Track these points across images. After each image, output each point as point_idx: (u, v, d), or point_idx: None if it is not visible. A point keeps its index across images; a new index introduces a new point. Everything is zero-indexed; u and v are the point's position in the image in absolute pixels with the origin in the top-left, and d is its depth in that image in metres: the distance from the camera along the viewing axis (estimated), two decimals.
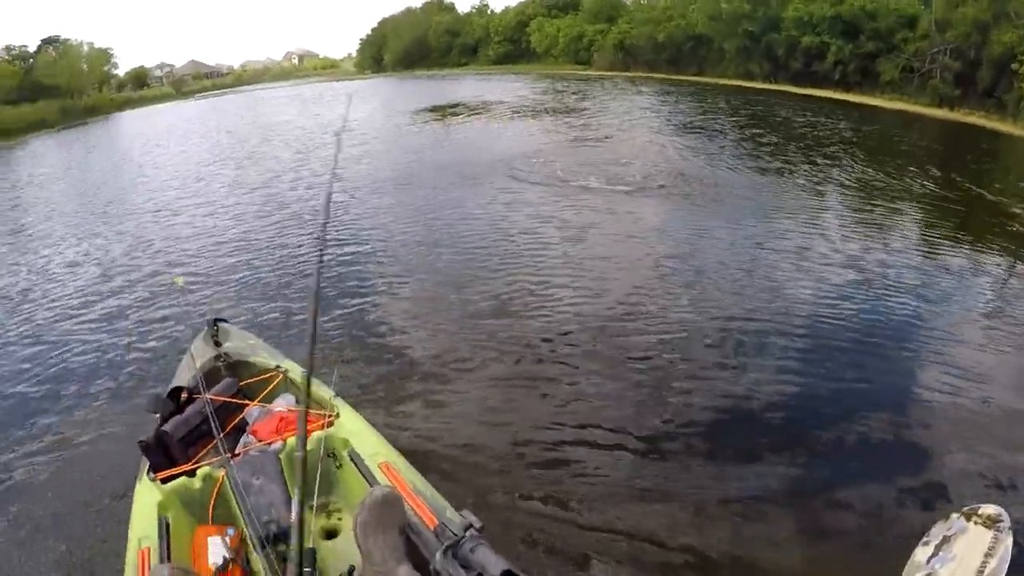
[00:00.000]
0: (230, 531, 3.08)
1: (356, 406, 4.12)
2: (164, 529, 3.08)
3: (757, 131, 18.05)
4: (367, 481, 3.24)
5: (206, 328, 5.26)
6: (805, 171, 14.03)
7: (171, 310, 8.58)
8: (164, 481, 3.37)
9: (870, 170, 13.99)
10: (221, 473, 3.35)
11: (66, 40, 67.50)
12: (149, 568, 2.79)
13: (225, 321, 5.50)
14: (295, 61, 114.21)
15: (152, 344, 7.73)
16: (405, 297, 8.44)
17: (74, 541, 4.55)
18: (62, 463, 5.55)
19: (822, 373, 6.08)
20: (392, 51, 72.93)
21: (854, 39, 25.02)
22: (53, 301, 9.73)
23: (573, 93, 30.87)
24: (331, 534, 3.36)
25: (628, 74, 39.25)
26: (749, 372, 6.10)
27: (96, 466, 5.40)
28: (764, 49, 29.53)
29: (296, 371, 4.57)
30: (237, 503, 3.15)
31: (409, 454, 3.73)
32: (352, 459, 3.48)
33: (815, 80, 26.64)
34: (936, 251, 9.49)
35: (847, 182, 13.22)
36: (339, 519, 3.47)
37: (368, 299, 8.41)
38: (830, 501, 4.42)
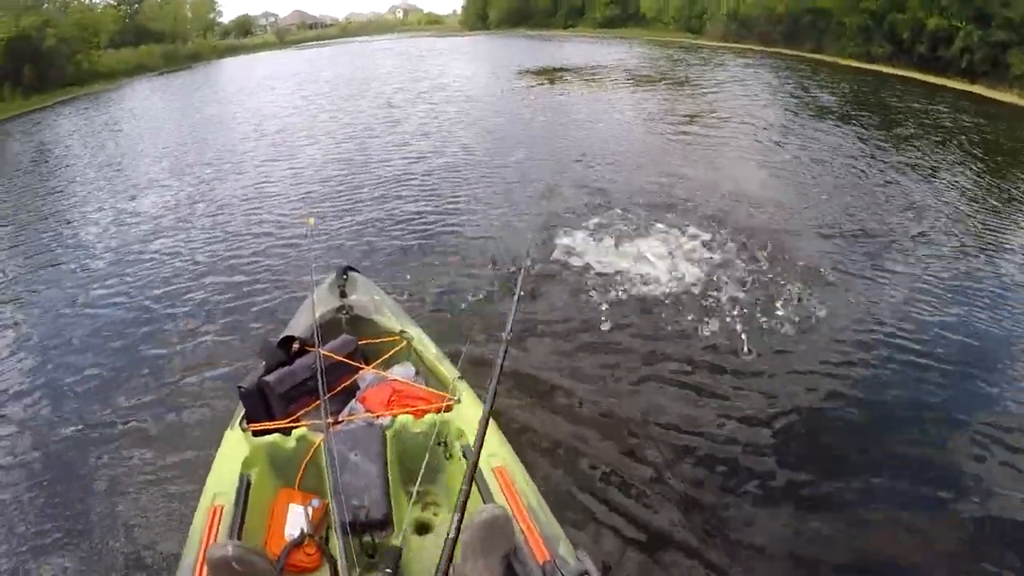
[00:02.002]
0: (315, 502, 3.00)
1: (480, 394, 3.72)
2: (244, 487, 3.01)
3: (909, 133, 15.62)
4: (476, 484, 2.90)
5: (334, 275, 5.01)
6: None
7: (299, 252, 8.70)
8: (256, 434, 3.33)
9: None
10: (319, 438, 3.21)
11: None
12: (218, 529, 2.71)
13: (356, 271, 5.25)
14: (399, 15, 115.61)
15: (275, 283, 7.94)
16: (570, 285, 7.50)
17: (158, 487, 4.61)
18: (166, 399, 5.74)
19: None
20: (498, 8, 72.96)
21: (985, 26, 23.89)
22: (174, 232, 10.51)
23: (687, 64, 30.17)
24: (423, 528, 3.16)
25: (741, 46, 38.11)
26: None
27: (196, 408, 5.56)
28: (887, 29, 28.47)
29: (421, 340, 4.38)
30: (328, 475, 2.96)
31: (528, 464, 3.43)
32: (464, 455, 3.22)
33: (939, 67, 25.54)
34: None
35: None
36: (435, 513, 3.25)
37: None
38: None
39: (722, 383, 5.61)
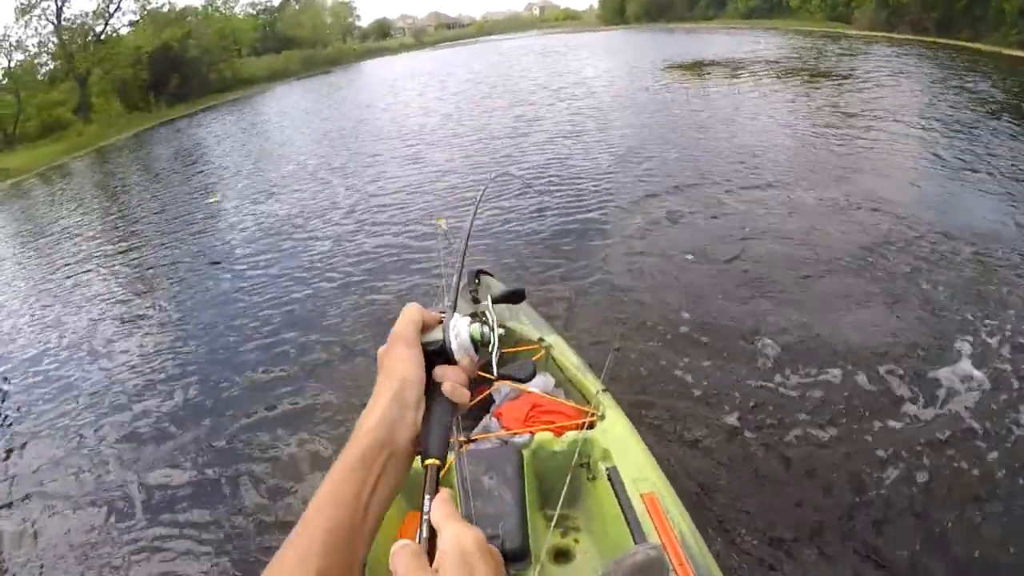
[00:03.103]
0: None
1: (627, 410, 3.54)
2: None
3: None
4: (623, 512, 2.73)
5: (466, 279, 4.73)
6: None
7: (431, 255, 8.88)
8: None
9: None
10: (451, 459, 3.11)
11: None
12: None
13: (490, 275, 5.05)
14: (536, 12, 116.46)
15: (408, 288, 8.13)
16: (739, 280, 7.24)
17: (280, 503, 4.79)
18: (292, 421, 5.85)
19: None
20: (636, 2, 72.75)
21: None
22: (308, 237, 10.94)
23: (836, 56, 28.62)
24: (562, 555, 2.93)
25: (892, 36, 36.54)
26: None
27: (319, 418, 5.72)
28: None
29: (562, 349, 4.18)
30: (459, 501, 2.87)
31: (683, 492, 3.19)
32: (610, 477, 2.95)
33: None
34: None
35: None
36: (575, 540, 3.00)
37: (670, 274, 7.56)
38: None
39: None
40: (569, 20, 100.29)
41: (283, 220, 12.24)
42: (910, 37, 35.42)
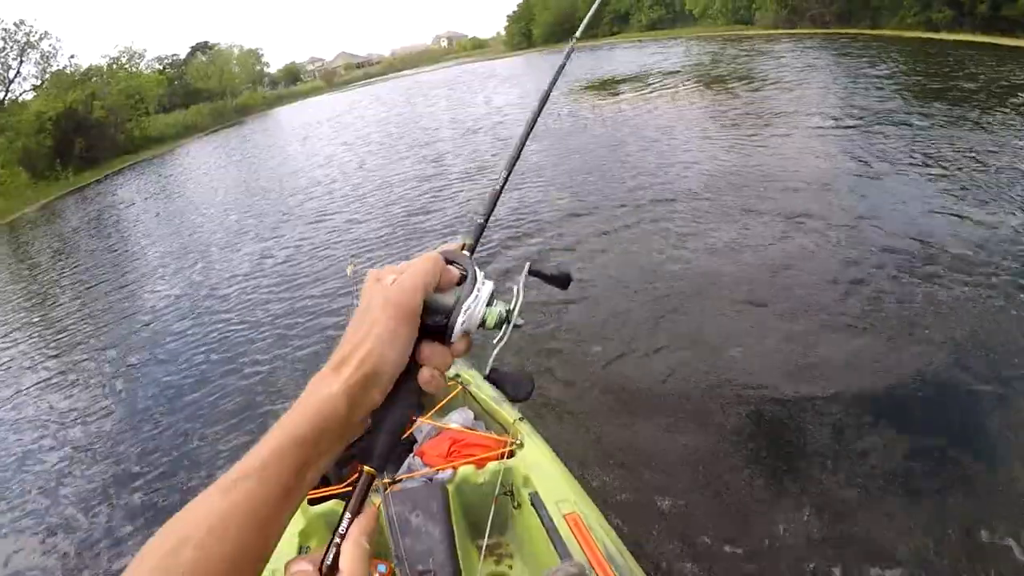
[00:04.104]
0: (381, 568, 2.87)
1: (545, 435, 3.67)
2: None
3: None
4: (548, 536, 2.80)
5: None
6: None
7: (344, 301, 8.93)
8: (312, 503, 3.24)
9: None
10: (378, 500, 3.06)
11: (215, 45, 73.74)
12: None
13: None
14: (444, 44, 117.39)
15: (319, 344, 8.01)
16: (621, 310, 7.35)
17: None
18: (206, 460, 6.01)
19: None
20: (540, 25, 73.39)
21: None
22: (219, 305, 10.59)
23: (740, 58, 29.41)
24: None
25: (795, 32, 37.53)
26: None
27: None
28: None
29: (477, 383, 4.23)
30: (390, 541, 2.92)
31: (604, 506, 3.37)
32: (533, 503, 3.02)
33: (1005, 27, 24.64)
34: None
35: None
36: (509, 566, 3.13)
37: (574, 301, 7.65)
38: None
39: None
40: (477, 49, 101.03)
41: (198, 286, 11.85)
42: (812, 31, 36.32)
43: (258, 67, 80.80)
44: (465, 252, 0.89)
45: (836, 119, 14.62)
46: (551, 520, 2.85)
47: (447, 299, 0.79)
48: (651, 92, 23.27)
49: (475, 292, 0.80)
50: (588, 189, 12.14)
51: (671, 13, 57.27)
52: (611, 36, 62.81)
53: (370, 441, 0.76)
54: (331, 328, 8.35)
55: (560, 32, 70.03)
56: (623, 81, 27.98)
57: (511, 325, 0.82)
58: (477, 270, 0.83)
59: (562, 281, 0.93)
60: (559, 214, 11.00)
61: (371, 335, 0.73)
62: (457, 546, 2.92)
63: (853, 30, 33.24)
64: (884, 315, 6.31)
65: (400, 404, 0.77)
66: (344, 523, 0.70)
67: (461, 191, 14.02)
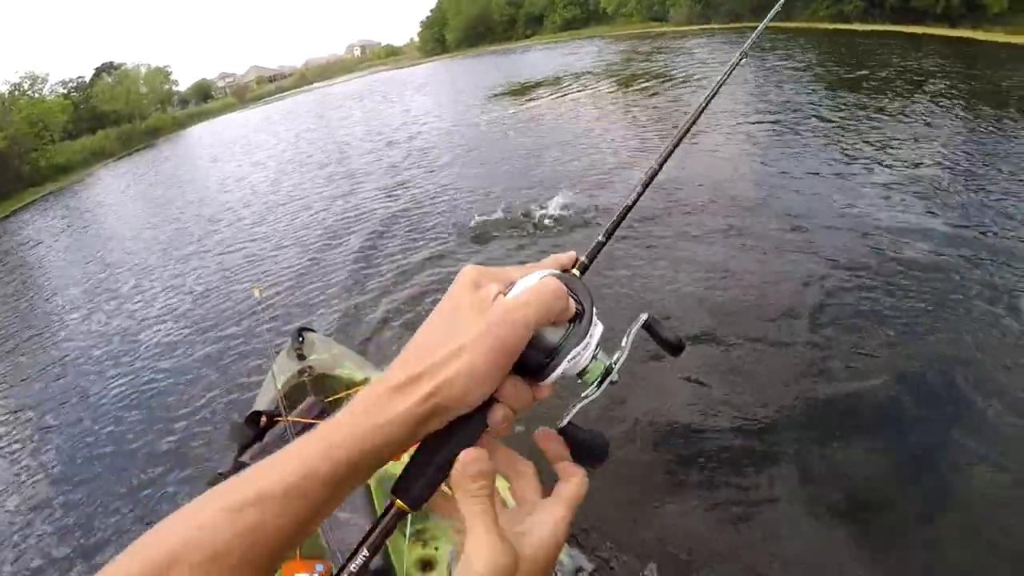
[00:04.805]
0: (319, 567, 2.99)
1: None
2: None
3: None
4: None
5: (290, 340, 5.17)
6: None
7: (252, 323, 9.01)
8: None
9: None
10: None
11: (121, 65, 71.04)
12: None
13: (312, 331, 5.42)
14: (357, 53, 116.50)
15: (234, 364, 8.11)
16: None
17: None
18: (141, 509, 5.81)
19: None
20: (454, 30, 73.09)
21: None
22: (129, 335, 10.43)
23: (654, 56, 29.60)
24: (427, 565, 3.21)
25: (709, 27, 38.04)
26: None
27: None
28: None
29: None
30: (323, 539, 3.06)
31: None
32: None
33: (915, 17, 25.25)
34: None
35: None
36: (436, 548, 3.28)
37: None
38: None
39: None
40: (391, 57, 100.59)
41: (107, 335, 11.16)
42: (726, 26, 36.69)
43: (167, 86, 77.93)
44: (576, 273, 0.75)
45: (753, 115, 14.77)
46: None
47: (554, 337, 0.66)
48: (567, 95, 23.22)
49: (587, 338, 0.67)
50: (509, 203, 11.74)
51: (585, 12, 57.41)
52: (525, 39, 62.78)
53: (410, 472, 0.66)
54: (240, 340, 8.47)
55: (473, 36, 69.83)
56: (539, 85, 27.80)
57: (607, 381, 0.70)
58: (594, 309, 0.70)
59: (675, 348, 0.76)
60: (472, 230, 10.77)
61: (456, 365, 0.60)
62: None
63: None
64: (824, 319, 6.36)
65: (457, 440, 0.65)
66: (360, 558, 0.59)
67: (377, 209, 13.61)
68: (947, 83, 15.21)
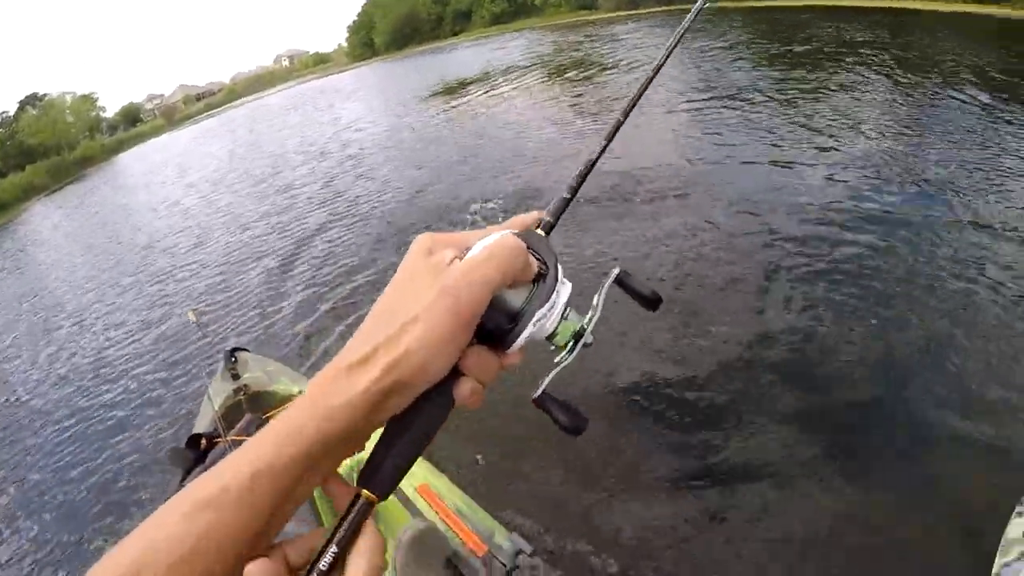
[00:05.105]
0: None
1: None
2: None
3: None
4: (406, 508, 3.18)
5: (223, 362, 5.26)
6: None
7: (189, 348, 9.07)
8: None
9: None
10: None
11: (46, 95, 69.08)
12: None
13: (245, 350, 5.52)
14: (286, 63, 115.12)
15: (172, 390, 8.11)
16: None
17: None
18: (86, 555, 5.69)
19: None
20: (381, 33, 72.58)
21: None
22: (66, 369, 10.42)
23: (585, 44, 29.80)
24: None
25: (637, 12, 38.30)
26: None
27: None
28: None
29: None
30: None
31: (450, 472, 3.76)
32: None
33: None
34: None
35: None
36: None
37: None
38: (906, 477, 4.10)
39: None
40: (320, 65, 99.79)
41: (41, 385, 10.81)
42: (654, 10, 36.88)
43: (94, 113, 76.18)
44: (541, 232, 0.71)
45: (689, 95, 14.82)
46: (405, 494, 3.26)
47: (516, 299, 0.63)
48: (500, 91, 23.07)
49: (553, 297, 0.64)
50: (449, 201, 11.76)
51: (513, 5, 57.34)
52: (453, 36, 62.56)
53: (375, 458, 0.61)
54: (185, 400, 7.90)
55: (401, 38, 69.42)
56: (471, 82, 27.59)
57: (581, 344, 0.66)
58: (560, 267, 0.66)
59: (652, 302, 0.74)
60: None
61: (412, 334, 0.57)
62: (322, 518, 3.23)
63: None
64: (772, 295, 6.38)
65: (424, 420, 0.60)
66: (329, 556, 0.55)
67: (313, 222, 13.44)
68: (884, 55, 15.51)
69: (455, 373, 0.60)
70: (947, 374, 4.83)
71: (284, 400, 4.66)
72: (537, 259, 0.65)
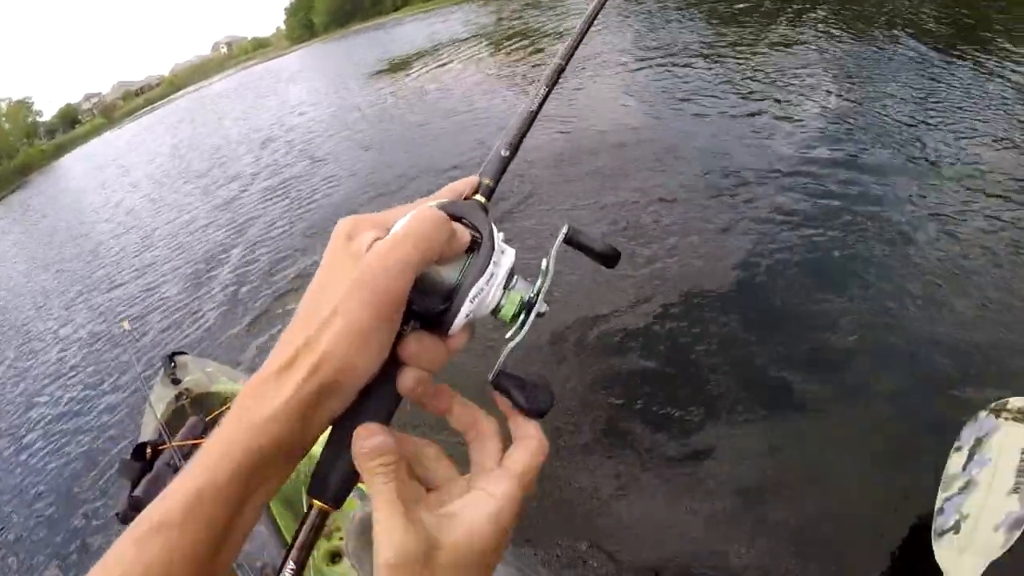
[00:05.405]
0: None
1: None
2: None
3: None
4: (360, 500, 3.18)
5: (162, 367, 5.19)
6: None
7: (125, 357, 8.70)
8: None
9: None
10: None
11: None
12: None
13: (184, 353, 5.47)
14: (224, 50, 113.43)
15: (112, 403, 7.99)
16: None
17: None
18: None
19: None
20: (321, 12, 71.58)
21: None
22: (8, 402, 9.96)
23: (518, 16, 29.01)
24: (336, 555, 3.28)
25: None
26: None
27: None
28: None
29: None
30: None
31: None
32: None
33: None
34: None
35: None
36: (341, 539, 3.35)
37: None
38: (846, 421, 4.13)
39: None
40: (259, 50, 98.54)
41: None
42: None
43: (30, 118, 74.89)
44: (479, 199, 0.64)
45: (634, 53, 14.69)
46: (360, 488, 2.86)
47: (449, 275, 0.57)
48: (446, 64, 22.68)
49: (490, 268, 0.57)
50: (402, 182, 11.54)
51: None
52: (395, 11, 61.86)
53: (323, 467, 0.57)
54: (128, 410, 7.66)
55: (342, 16, 68.52)
56: (416, 57, 27.12)
57: (533, 314, 0.59)
58: (497, 233, 0.60)
59: (609, 258, 0.66)
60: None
61: (331, 330, 0.52)
62: (284, 534, 3.18)
63: None
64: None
65: (368, 419, 0.55)
66: (287, 572, 0.52)
67: (259, 214, 13.12)
68: (833, 7, 15.14)
69: (397, 364, 0.55)
70: (888, 316, 4.85)
71: (227, 400, 4.60)
72: (469, 227, 0.58)
